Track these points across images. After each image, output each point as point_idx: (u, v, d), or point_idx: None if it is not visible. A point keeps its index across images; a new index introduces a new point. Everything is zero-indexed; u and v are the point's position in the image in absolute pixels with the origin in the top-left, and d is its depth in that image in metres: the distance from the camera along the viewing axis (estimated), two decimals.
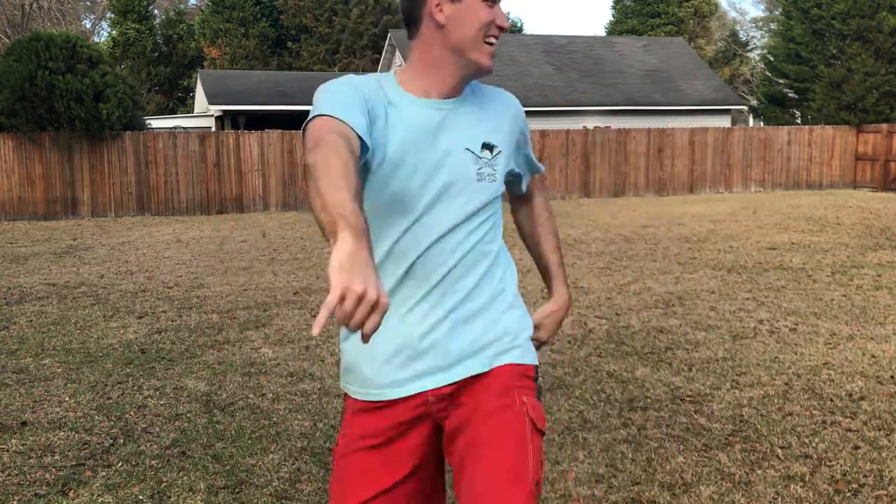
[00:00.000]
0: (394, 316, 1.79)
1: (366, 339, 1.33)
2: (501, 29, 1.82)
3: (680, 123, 24.15)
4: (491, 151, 1.86)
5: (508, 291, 1.92)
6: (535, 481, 1.78)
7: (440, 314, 1.81)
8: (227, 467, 3.90)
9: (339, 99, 1.69)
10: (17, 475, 3.84)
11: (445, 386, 1.82)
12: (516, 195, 2.14)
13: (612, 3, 42.69)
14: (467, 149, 1.82)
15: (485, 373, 1.83)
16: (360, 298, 1.27)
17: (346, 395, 1.93)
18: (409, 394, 1.82)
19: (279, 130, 18.65)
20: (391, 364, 1.82)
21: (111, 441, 4.25)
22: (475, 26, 1.78)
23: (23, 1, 33.65)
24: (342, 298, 1.27)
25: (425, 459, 1.88)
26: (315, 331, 1.28)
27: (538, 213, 2.16)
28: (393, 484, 1.83)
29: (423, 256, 1.79)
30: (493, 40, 1.81)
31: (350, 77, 1.81)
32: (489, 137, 1.86)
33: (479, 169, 1.83)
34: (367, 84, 1.80)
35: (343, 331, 1.88)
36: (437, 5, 1.77)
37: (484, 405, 1.80)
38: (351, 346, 1.87)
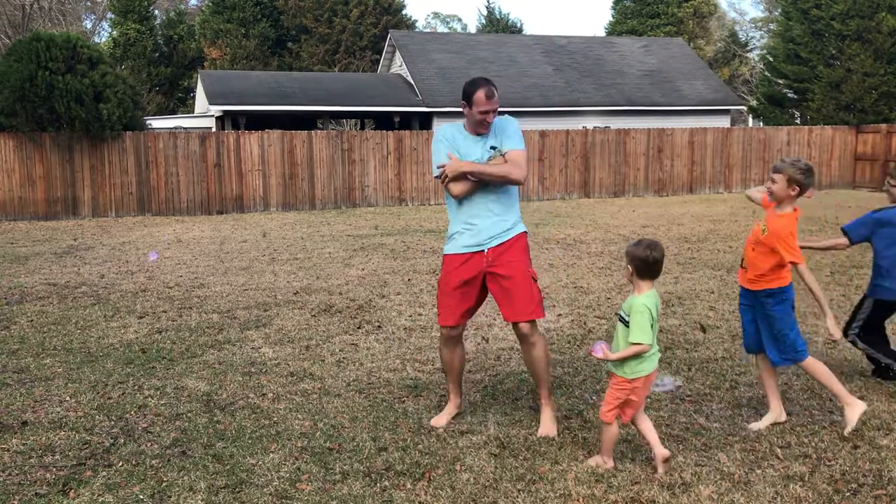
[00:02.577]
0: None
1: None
2: (485, 112, 4.23)
3: (679, 124, 24.15)
4: (495, 149, 4.33)
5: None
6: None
7: None
8: (228, 467, 3.91)
9: (438, 156, 4.35)
10: (17, 475, 3.85)
11: None
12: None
13: (611, 4, 42.67)
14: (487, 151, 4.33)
15: None
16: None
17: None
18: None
19: (279, 130, 18.65)
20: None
21: (112, 441, 4.26)
22: (475, 119, 4.27)
23: (23, 1, 33.64)
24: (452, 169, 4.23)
25: None
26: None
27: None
28: None
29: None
30: (485, 120, 4.26)
31: (444, 130, 4.43)
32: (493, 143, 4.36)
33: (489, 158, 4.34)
34: (448, 132, 4.40)
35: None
36: (466, 109, 4.29)
37: None
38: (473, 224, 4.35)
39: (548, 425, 4.32)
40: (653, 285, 3.75)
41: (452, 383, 4.53)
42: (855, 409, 4.25)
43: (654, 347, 3.75)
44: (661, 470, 3.74)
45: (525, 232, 4.39)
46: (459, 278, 4.29)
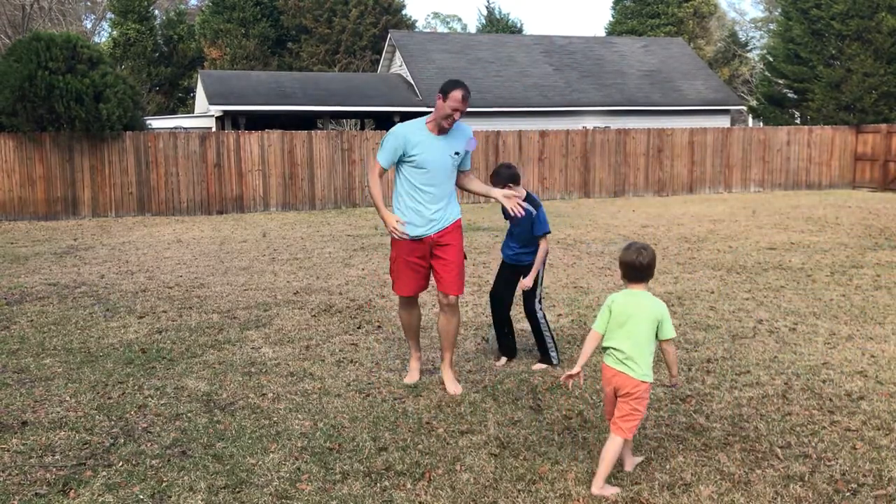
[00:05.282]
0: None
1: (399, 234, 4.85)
2: (457, 111, 4.70)
3: (679, 124, 24.16)
4: (458, 154, 4.89)
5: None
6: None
7: None
8: (228, 467, 3.91)
9: (385, 150, 4.84)
10: (17, 475, 3.84)
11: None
12: (462, 172, 5.07)
13: (611, 4, 42.67)
14: (450, 154, 4.87)
15: None
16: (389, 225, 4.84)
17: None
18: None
19: (279, 130, 18.64)
20: None
21: (112, 441, 4.26)
22: (444, 114, 4.72)
23: (23, 1, 33.64)
24: (390, 227, 4.84)
25: None
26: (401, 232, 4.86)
27: (471, 177, 5.16)
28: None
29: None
30: (452, 116, 4.71)
31: (397, 129, 4.85)
32: (457, 149, 4.89)
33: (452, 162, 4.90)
34: (407, 130, 4.83)
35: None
36: (439, 101, 4.72)
37: None
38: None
39: (455, 384, 5.02)
40: (640, 286, 3.71)
41: (413, 339, 5.21)
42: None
43: (609, 342, 3.69)
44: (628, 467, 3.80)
45: (460, 217, 5.02)
46: (415, 257, 4.90)
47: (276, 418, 4.57)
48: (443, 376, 5.10)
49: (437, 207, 4.83)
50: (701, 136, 21.45)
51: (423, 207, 4.81)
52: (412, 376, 5.18)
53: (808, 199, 19.30)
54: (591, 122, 24.15)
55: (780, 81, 27.33)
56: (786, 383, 5.10)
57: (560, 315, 7.10)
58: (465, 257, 5.07)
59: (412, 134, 4.78)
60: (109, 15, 38.90)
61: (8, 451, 4.13)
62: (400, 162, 4.83)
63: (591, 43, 29.74)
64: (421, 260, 4.92)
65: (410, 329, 5.18)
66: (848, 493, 3.57)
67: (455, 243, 4.92)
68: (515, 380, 5.25)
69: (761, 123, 29.85)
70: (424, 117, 4.88)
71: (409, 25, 39.78)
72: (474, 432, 4.32)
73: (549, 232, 5.42)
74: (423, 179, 4.79)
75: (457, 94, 4.68)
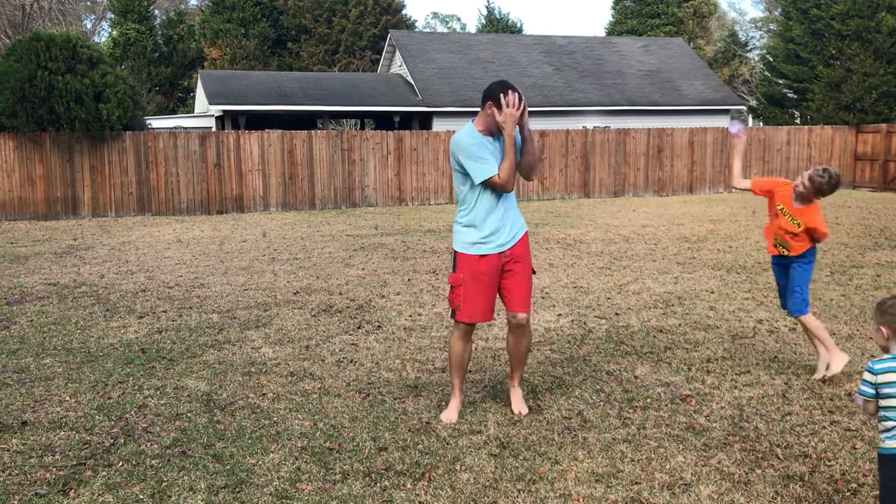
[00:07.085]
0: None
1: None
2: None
3: (679, 123, 24.14)
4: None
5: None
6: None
7: None
8: (228, 467, 3.91)
9: (480, 155, 4.29)
10: (17, 475, 3.84)
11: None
12: None
13: (611, 4, 42.67)
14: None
15: None
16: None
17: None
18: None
19: (279, 130, 18.64)
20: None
21: (112, 441, 4.26)
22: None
23: (23, 1, 33.64)
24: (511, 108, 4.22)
25: None
26: None
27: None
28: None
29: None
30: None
31: (466, 135, 4.33)
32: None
33: None
34: (472, 134, 4.35)
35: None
36: (491, 109, 4.27)
37: None
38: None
39: (522, 404, 4.66)
40: None
41: (461, 377, 4.60)
42: (840, 360, 5.01)
43: None
44: None
45: (527, 231, 4.62)
46: (495, 275, 4.43)
47: (276, 418, 4.57)
48: (511, 395, 4.72)
49: (513, 215, 4.47)
50: (701, 135, 21.45)
51: (503, 215, 4.39)
52: (452, 416, 4.53)
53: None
54: (591, 122, 24.15)
55: (780, 81, 27.33)
56: (786, 383, 5.10)
57: (560, 315, 7.10)
58: (534, 272, 4.71)
59: (482, 141, 4.34)
60: (109, 15, 38.92)
61: (8, 451, 4.13)
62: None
63: (591, 43, 29.73)
64: (494, 277, 4.43)
65: (462, 365, 4.56)
66: (848, 493, 3.57)
67: (528, 256, 4.55)
68: None
69: (761, 123, 29.85)
70: (470, 124, 4.42)
71: (408, 25, 39.78)
72: (474, 432, 4.32)
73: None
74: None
75: (513, 98, 4.24)
